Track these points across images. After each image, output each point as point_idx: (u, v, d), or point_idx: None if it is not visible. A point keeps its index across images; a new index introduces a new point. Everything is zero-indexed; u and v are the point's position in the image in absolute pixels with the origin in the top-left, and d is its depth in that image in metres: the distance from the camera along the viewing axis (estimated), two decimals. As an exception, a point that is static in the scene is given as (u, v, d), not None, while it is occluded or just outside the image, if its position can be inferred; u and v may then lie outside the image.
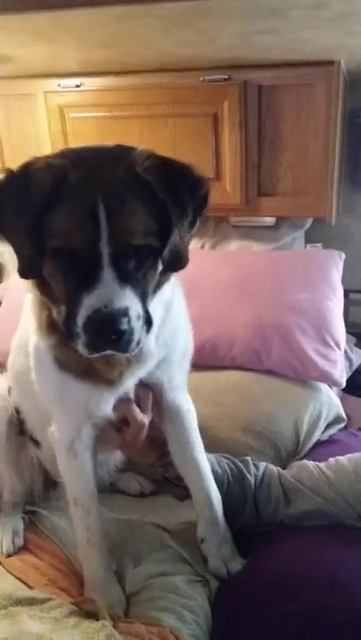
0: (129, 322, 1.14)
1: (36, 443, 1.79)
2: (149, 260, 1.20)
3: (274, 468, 1.75)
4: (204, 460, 1.62)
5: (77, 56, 2.08)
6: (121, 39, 1.77)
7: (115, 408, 1.49)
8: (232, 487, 1.67)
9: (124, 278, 1.15)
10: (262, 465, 1.75)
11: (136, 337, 1.18)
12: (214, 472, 1.66)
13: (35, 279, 1.25)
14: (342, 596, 1.33)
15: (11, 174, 1.16)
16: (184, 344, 1.54)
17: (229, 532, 1.64)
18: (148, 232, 1.16)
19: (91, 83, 2.43)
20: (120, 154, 1.18)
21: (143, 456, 1.67)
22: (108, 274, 1.13)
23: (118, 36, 1.70)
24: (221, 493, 1.64)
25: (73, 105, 2.47)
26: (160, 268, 1.24)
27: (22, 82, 2.52)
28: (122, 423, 1.54)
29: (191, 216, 1.23)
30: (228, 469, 1.70)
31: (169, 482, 1.70)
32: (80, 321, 1.13)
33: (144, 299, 1.20)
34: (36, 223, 1.13)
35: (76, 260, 1.14)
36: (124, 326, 1.14)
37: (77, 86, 2.43)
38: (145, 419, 1.53)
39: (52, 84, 2.47)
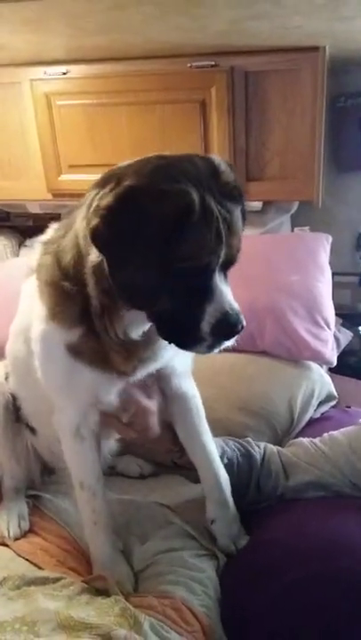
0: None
1: (32, 430, 1.81)
2: None
3: (273, 446, 1.80)
4: (212, 444, 1.66)
5: (67, 43, 2.08)
6: (115, 26, 1.78)
7: (119, 396, 1.52)
8: (241, 465, 1.72)
9: (227, 280, 1.26)
10: (262, 443, 1.81)
11: None
12: (225, 452, 1.71)
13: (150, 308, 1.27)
14: (348, 558, 1.36)
15: (119, 206, 1.15)
16: None
17: (237, 512, 1.68)
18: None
19: (77, 70, 2.43)
20: (210, 166, 1.23)
21: (159, 443, 1.69)
22: (220, 281, 1.23)
23: (113, 22, 1.71)
24: (232, 473, 1.69)
25: (60, 92, 2.47)
26: None
27: (7, 70, 2.50)
28: (128, 415, 1.57)
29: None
30: (236, 449, 1.75)
31: (184, 467, 1.74)
32: (206, 327, 1.22)
33: None
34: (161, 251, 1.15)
35: (194, 276, 1.20)
36: (245, 321, 1.25)
37: (64, 74, 2.42)
38: (151, 404, 1.57)
39: (38, 71, 2.46)
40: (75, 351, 1.40)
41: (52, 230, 1.45)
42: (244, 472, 1.71)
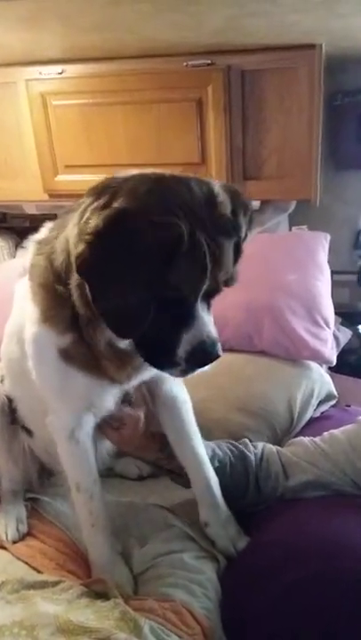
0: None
1: (29, 432, 1.80)
2: None
3: (272, 446, 1.79)
4: (202, 448, 1.65)
5: (62, 42, 2.07)
6: (111, 24, 1.77)
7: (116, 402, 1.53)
8: (235, 467, 1.71)
9: (209, 308, 1.27)
10: (260, 444, 1.80)
11: None
12: (216, 455, 1.70)
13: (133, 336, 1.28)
14: (348, 558, 1.35)
15: (107, 231, 1.13)
16: None
17: (230, 513, 1.68)
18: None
19: (73, 70, 2.42)
20: (208, 195, 1.21)
21: (145, 451, 1.71)
22: (201, 309, 1.23)
23: (109, 20, 1.71)
24: (225, 475, 1.68)
25: (56, 92, 2.46)
26: None
27: (2, 70, 2.50)
28: (118, 421, 1.58)
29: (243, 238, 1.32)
30: (228, 451, 1.74)
31: (173, 472, 1.73)
32: (182, 353, 1.23)
33: None
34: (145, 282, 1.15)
35: (176, 304, 1.20)
36: (221, 351, 1.25)
37: (59, 73, 2.42)
38: (139, 412, 1.58)
39: (33, 71, 2.45)
40: (67, 356, 1.39)
41: (46, 230, 1.44)
42: (239, 474, 1.71)
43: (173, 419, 1.65)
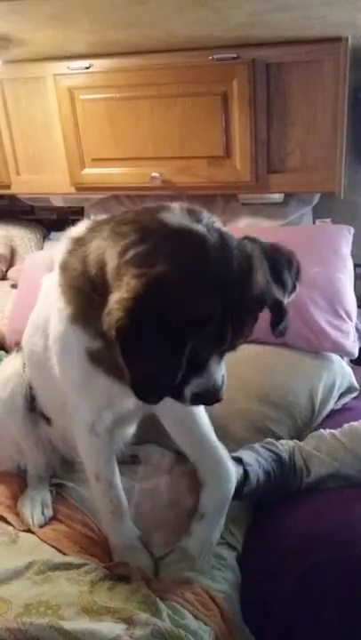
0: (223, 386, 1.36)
1: (48, 420, 1.83)
2: None
3: (292, 443, 1.80)
4: (218, 445, 1.63)
5: (89, 38, 2.09)
6: (136, 20, 1.79)
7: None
8: (276, 472, 1.70)
9: (224, 357, 1.35)
10: (283, 441, 1.81)
11: None
12: (260, 464, 1.69)
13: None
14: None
15: (147, 302, 1.15)
16: None
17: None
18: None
19: (100, 64, 2.43)
20: (245, 272, 1.26)
21: None
22: (214, 361, 1.32)
23: (135, 16, 1.72)
24: (270, 486, 1.68)
25: (83, 87, 2.48)
26: None
27: (31, 65, 2.53)
28: None
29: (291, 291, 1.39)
30: (268, 458, 1.71)
31: None
32: (188, 394, 1.33)
33: None
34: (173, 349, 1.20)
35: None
36: (225, 395, 1.36)
37: (86, 68, 2.44)
38: None
39: (61, 66, 2.47)
40: (95, 358, 1.41)
41: (82, 227, 1.43)
42: (279, 475, 1.70)
43: (183, 428, 1.66)
